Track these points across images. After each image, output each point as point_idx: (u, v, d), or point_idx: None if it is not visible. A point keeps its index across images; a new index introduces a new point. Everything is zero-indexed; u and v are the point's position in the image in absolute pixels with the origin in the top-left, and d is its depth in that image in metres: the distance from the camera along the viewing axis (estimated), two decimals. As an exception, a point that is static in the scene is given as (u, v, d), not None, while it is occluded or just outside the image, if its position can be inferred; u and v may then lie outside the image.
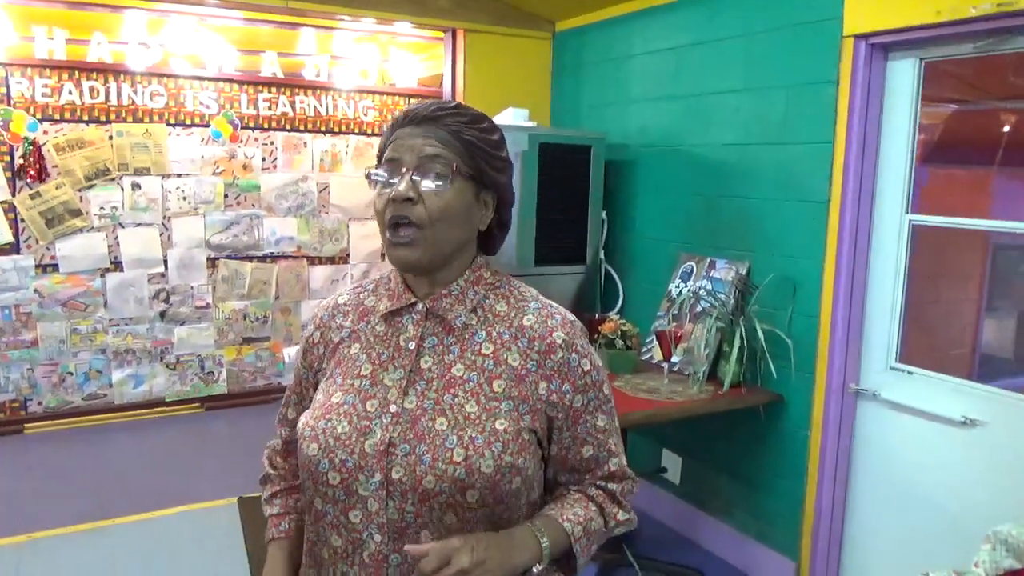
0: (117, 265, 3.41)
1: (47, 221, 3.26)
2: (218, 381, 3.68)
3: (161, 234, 3.48)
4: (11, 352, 3.25)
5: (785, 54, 2.99)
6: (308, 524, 1.20)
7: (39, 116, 3.20)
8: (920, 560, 2.71)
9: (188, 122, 3.49)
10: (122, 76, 3.33)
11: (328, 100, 3.80)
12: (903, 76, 2.72)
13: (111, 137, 3.34)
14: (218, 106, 3.54)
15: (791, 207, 3.00)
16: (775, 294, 3.04)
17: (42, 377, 3.33)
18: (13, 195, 3.19)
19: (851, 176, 2.78)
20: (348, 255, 3.93)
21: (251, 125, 3.63)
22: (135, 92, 3.37)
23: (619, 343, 3.19)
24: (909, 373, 2.75)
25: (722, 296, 3.18)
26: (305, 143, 3.76)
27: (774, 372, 2.98)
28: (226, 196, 3.60)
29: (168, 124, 3.45)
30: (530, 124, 3.66)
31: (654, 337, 3.33)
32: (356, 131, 3.88)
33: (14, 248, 3.22)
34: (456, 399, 1.12)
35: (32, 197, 3.22)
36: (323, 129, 3.80)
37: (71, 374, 3.38)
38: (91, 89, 3.28)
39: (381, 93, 3.93)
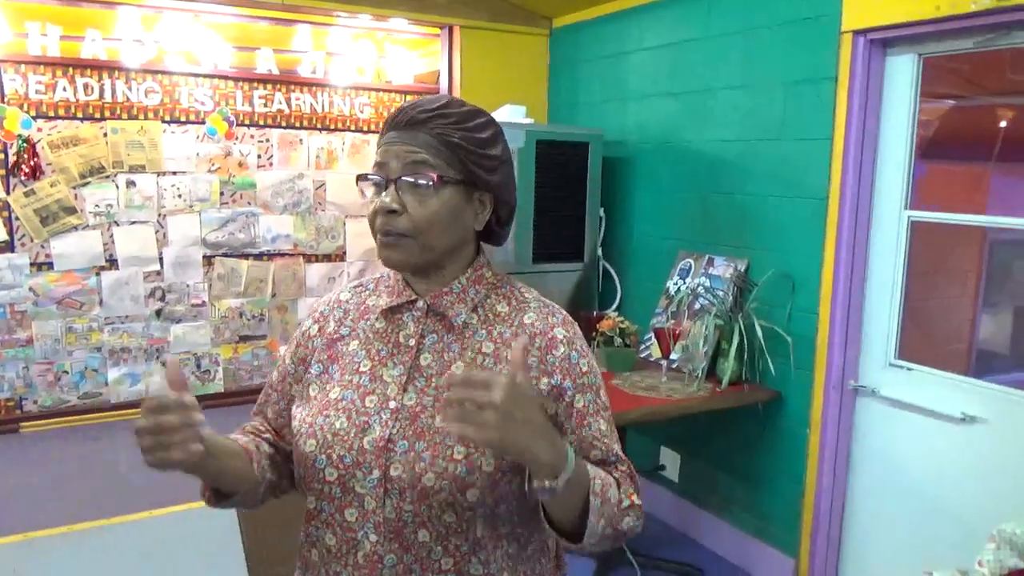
0: (112, 263, 3.39)
1: (42, 219, 3.24)
2: (214, 380, 3.67)
3: (156, 232, 3.47)
4: (6, 351, 3.23)
5: (783, 50, 2.98)
6: (301, 525, 1.18)
7: (33, 113, 3.18)
8: (919, 556, 2.71)
9: (183, 119, 3.47)
10: (116, 73, 3.31)
11: (324, 97, 3.78)
12: (902, 72, 2.71)
13: (106, 134, 3.32)
14: (213, 103, 3.52)
15: (790, 204, 2.99)
16: (774, 291, 3.03)
17: (37, 376, 3.31)
18: (7, 193, 3.17)
19: (850, 172, 2.77)
20: (344, 252, 3.92)
21: (247, 122, 3.61)
22: (130, 89, 3.35)
23: (617, 341, 3.18)
24: (908, 370, 2.75)
25: (720, 293, 3.17)
26: (301, 140, 3.74)
27: (773, 369, 2.98)
28: (222, 194, 3.59)
29: (163, 121, 3.43)
30: (527, 121, 3.65)
31: (652, 335, 3.32)
32: (352, 128, 3.86)
33: (8, 246, 3.20)
34: None
35: (26, 195, 3.20)
36: (319, 126, 3.78)
37: (67, 373, 3.36)
38: (85, 86, 3.26)
39: (377, 90, 3.92)
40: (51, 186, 3.24)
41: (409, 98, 3.97)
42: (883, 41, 2.70)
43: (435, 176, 1.09)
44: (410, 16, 3.83)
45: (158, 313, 3.51)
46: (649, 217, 3.71)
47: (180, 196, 3.50)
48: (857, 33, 2.70)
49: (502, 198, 1.19)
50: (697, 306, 3.25)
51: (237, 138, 3.59)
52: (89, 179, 3.31)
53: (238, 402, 3.69)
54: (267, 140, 3.67)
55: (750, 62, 3.13)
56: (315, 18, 3.70)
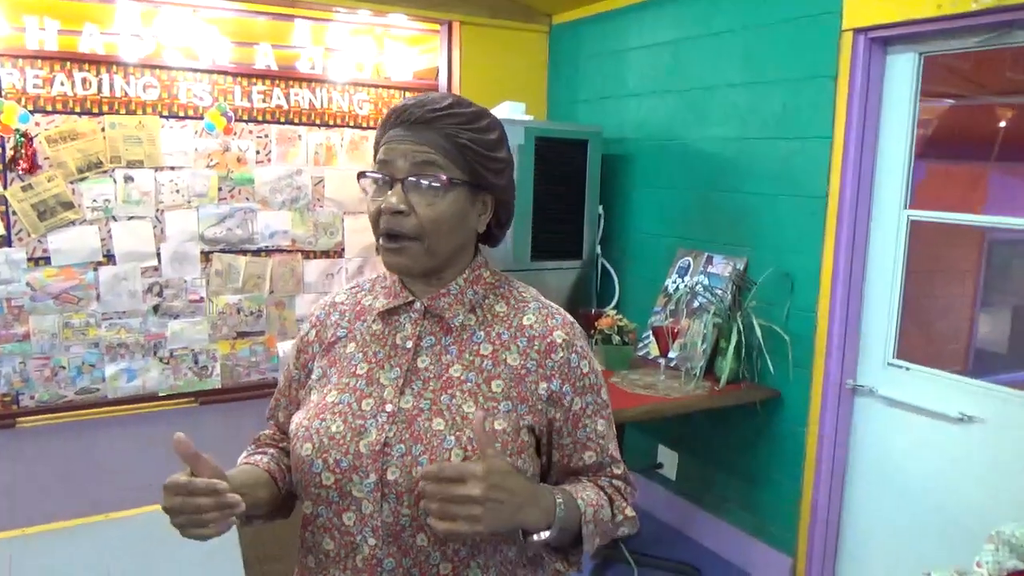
0: (110, 258, 3.38)
1: (39, 214, 3.23)
2: (212, 375, 3.66)
3: (154, 227, 3.46)
4: (3, 346, 3.23)
5: (783, 48, 2.97)
6: (300, 530, 1.17)
7: (30, 107, 3.17)
8: (916, 556, 2.71)
9: (181, 114, 3.46)
10: (114, 67, 3.30)
11: (323, 93, 3.77)
12: (902, 70, 2.70)
13: (103, 129, 3.31)
14: (212, 98, 3.51)
15: (789, 202, 2.99)
16: (773, 290, 3.02)
17: (34, 371, 3.30)
18: (4, 187, 3.16)
19: (849, 171, 2.77)
20: (343, 249, 3.91)
21: (245, 118, 3.60)
22: (128, 84, 3.33)
23: (615, 339, 3.18)
24: (907, 369, 2.74)
25: (719, 292, 3.16)
26: (300, 136, 3.73)
27: (771, 368, 2.97)
28: (220, 189, 3.58)
29: (161, 116, 3.42)
30: (526, 118, 3.64)
31: (651, 333, 3.31)
32: (351, 124, 3.85)
33: (6, 241, 3.19)
34: (454, 400, 1.09)
35: (24, 189, 3.19)
36: (318, 122, 3.77)
37: (63, 368, 3.35)
38: (83, 80, 3.25)
39: (376, 86, 3.90)
40: (48, 181, 3.22)
41: (408, 94, 3.96)
42: (884, 39, 2.69)
43: (444, 178, 1.08)
44: (409, 12, 3.82)
45: (155, 309, 3.50)
46: (648, 215, 3.71)
47: (178, 191, 3.49)
48: (858, 31, 2.69)
49: (504, 200, 1.18)
50: (696, 304, 3.24)
51: (235, 134, 3.58)
52: (87, 174, 3.30)
53: (235, 398, 3.69)
54: (265, 136, 3.66)
55: (750, 60, 3.12)
56: (314, 13, 3.69)
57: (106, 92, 3.30)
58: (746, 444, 3.22)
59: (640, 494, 1.20)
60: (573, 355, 1.14)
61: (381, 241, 1.10)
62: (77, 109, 3.26)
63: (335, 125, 3.82)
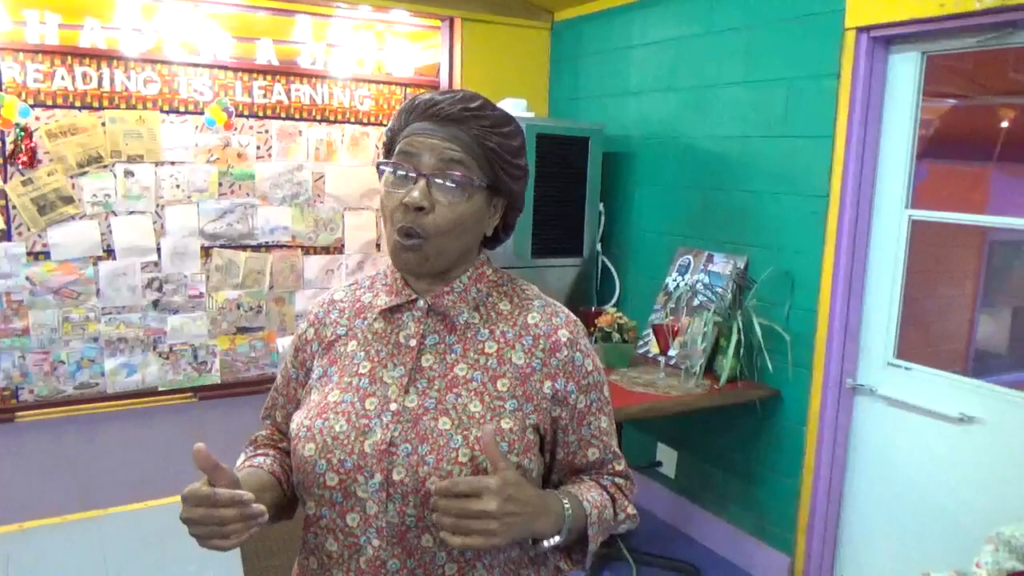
0: (110, 253, 3.38)
1: (39, 208, 3.22)
2: (211, 371, 3.66)
3: (154, 222, 3.45)
4: (2, 340, 3.22)
5: (786, 46, 2.97)
6: (302, 531, 1.16)
7: (31, 102, 3.16)
8: (915, 556, 2.71)
9: (182, 109, 3.45)
10: (115, 62, 3.29)
11: (324, 88, 3.76)
12: (905, 70, 2.70)
13: (104, 124, 3.30)
14: (212, 93, 3.50)
15: (790, 201, 2.98)
16: (773, 289, 3.02)
17: (34, 365, 3.30)
18: (4, 182, 3.15)
19: (851, 170, 2.76)
20: (343, 245, 3.90)
21: (246, 113, 3.59)
22: (128, 78, 3.33)
23: (615, 336, 3.18)
24: (907, 369, 2.74)
25: (720, 290, 3.16)
26: (300, 132, 3.73)
27: (771, 367, 2.97)
28: (220, 184, 3.57)
29: (162, 111, 3.41)
30: (528, 115, 3.63)
31: (651, 331, 3.31)
32: (352, 120, 3.85)
33: (5, 235, 3.19)
34: (459, 399, 1.08)
35: (24, 184, 3.18)
36: (318, 118, 3.77)
37: (63, 363, 3.35)
38: (84, 75, 3.24)
39: (377, 82, 3.90)
40: (48, 175, 3.22)
41: (410, 91, 3.95)
42: (886, 39, 2.69)
43: (472, 179, 1.06)
44: (411, 8, 3.81)
45: (155, 304, 3.50)
46: (649, 213, 3.70)
47: (178, 186, 3.48)
48: (860, 30, 2.69)
49: (514, 205, 1.18)
50: (696, 303, 3.24)
51: (236, 129, 3.58)
52: (87, 168, 3.29)
53: (235, 394, 3.69)
54: (266, 131, 3.65)
55: (752, 58, 3.11)
56: (315, 9, 3.68)
57: (107, 87, 3.29)
58: (745, 443, 3.22)
59: (639, 492, 1.22)
60: (577, 353, 1.14)
61: (397, 237, 1.08)
62: (77, 103, 3.25)
63: (336, 121, 3.81)
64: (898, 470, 2.78)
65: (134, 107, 3.36)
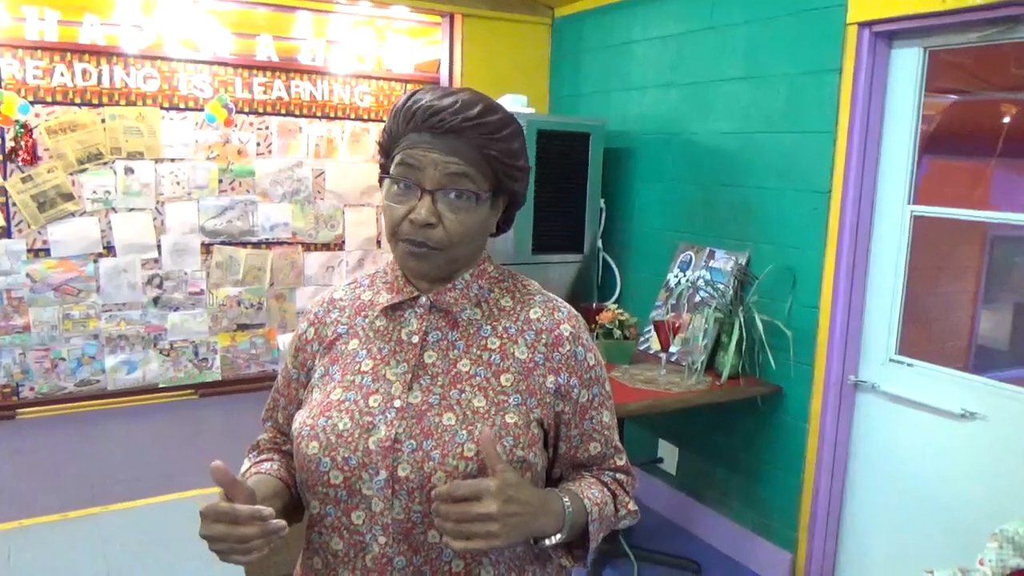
0: (110, 250, 3.37)
1: (39, 205, 3.22)
2: (212, 368, 3.66)
3: (154, 219, 3.45)
4: (3, 337, 3.22)
5: (788, 41, 2.96)
6: (305, 531, 1.16)
7: (30, 98, 3.16)
8: (917, 552, 2.70)
9: (182, 106, 3.45)
10: (115, 58, 3.29)
11: (324, 85, 3.75)
12: (907, 65, 2.68)
13: (103, 120, 3.30)
14: (212, 90, 3.50)
15: (792, 197, 2.97)
16: (775, 285, 3.01)
17: (34, 362, 3.30)
18: (4, 179, 3.15)
19: (853, 166, 2.75)
20: (343, 242, 3.90)
21: (246, 109, 3.59)
22: (128, 75, 3.32)
23: (617, 333, 3.17)
24: (909, 365, 2.73)
25: (721, 286, 3.15)
26: (300, 128, 3.72)
27: (773, 363, 2.96)
28: (220, 181, 3.57)
29: (161, 108, 3.41)
30: (528, 111, 3.62)
31: (652, 327, 3.30)
32: (352, 116, 3.84)
33: (5, 232, 3.19)
34: (463, 394, 1.08)
35: (23, 180, 3.18)
36: (319, 114, 3.76)
37: (63, 360, 3.35)
38: (83, 71, 3.24)
39: (378, 78, 3.89)
40: (48, 172, 3.21)
41: (410, 87, 3.95)
42: (888, 33, 2.68)
43: (478, 193, 1.07)
44: (411, 4, 3.80)
45: (156, 301, 3.50)
46: (650, 209, 3.69)
47: (178, 183, 3.48)
48: (862, 25, 2.67)
49: (516, 201, 1.18)
50: (697, 299, 3.23)
51: (236, 125, 3.57)
52: (87, 165, 3.29)
53: (235, 390, 3.68)
54: (266, 128, 3.64)
55: (754, 53, 3.10)
56: (315, 5, 3.67)
57: (106, 83, 3.29)
58: (747, 439, 3.21)
59: (640, 489, 1.22)
60: (579, 348, 1.14)
61: (404, 247, 1.08)
62: (77, 100, 3.25)
63: (336, 117, 3.80)
64: (900, 466, 2.78)
65: (134, 104, 3.35)
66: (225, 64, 3.50)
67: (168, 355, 3.54)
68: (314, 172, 3.76)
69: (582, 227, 3.71)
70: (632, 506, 1.21)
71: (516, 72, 4.12)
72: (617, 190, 3.84)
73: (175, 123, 3.43)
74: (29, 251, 3.22)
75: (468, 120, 1.05)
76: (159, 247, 3.46)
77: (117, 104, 3.30)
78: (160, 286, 3.49)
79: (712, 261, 3.28)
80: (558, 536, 1.06)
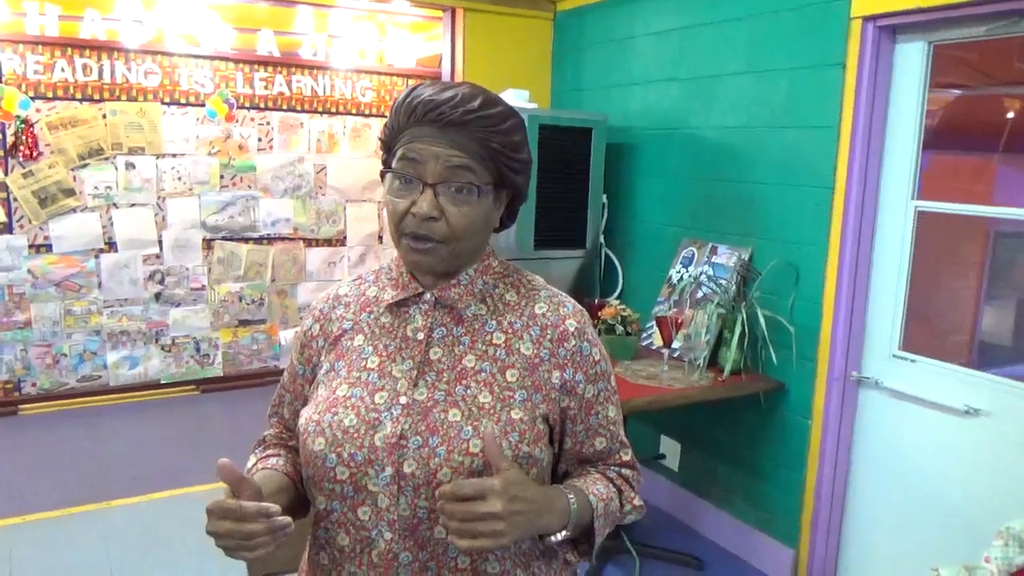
0: (111, 246, 3.37)
1: (40, 200, 3.21)
2: (214, 363, 3.65)
3: (156, 215, 3.44)
4: (4, 333, 3.22)
5: (791, 36, 2.94)
6: (311, 526, 1.16)
7: (31, 94, 3.15)
8: (920, 549, 2.70)
9: (183, 101, 3.44)
10: (116, 53, 3.28)
11: (325, 80, 3.74)
12: (911, 59, 2.67)
13: (104, 116, 3.29)
14: (213, 85, 3.49)
15: (795, 192, 2.96)
16: (777, 280, 3.01)
17: (36, 358, 3.29)
18: (5, 174, 3.14)
19: (856, 161, 2.74)
20: (345, 237, 3.89)
21: (247, 105, 3.58)
22: (129, 70, 3.31)
23: (619, 329, 3.16)
24: (912, 361, 2.73)
25: (723, 282, 3.14)
26: (302, 123, 3.71)
27: (775, 359, 2.96)
28: (221, 177, 3.56)
29: (162, 103, 3.40)
30: (530, 106, 3.61)
31: (654, 323, 3.30)
32: (353, 112, 3.83)
33: (7, 228, 3.18)
34: (469, 390, 1.08)
35: (24, 176, 3.17)
36: (320, 109, 3.75)
37: (65, 355, 3.34)
38: (84, 66, 3.23)
39: (379, 73, 3.88)
40: (49, 168, 3.21)
41: (411, 82, 3.93)
42: (893, 28, 2.66)
43: (480, 185, 1.07)
44: (413, -2, 3.79)
45: (157, 296, 3.49)
46: (652, 204, 3.68)
47: (180, 179, 3.47)
48: (867, 19, 2.66)
49: (519, 194, 1.18)
50: (700, 295, 3.23)
51: (237, 121, 3.56)
52: (88, 161, 3.28)
53: (237, 386, 3.68)
54: (267, 123, 3.63)
55: (757, 48, 3.09)
56: (316, -1, 3.66)
57: (107, 78, 3.28)
58: (749, 435, 3.21)
59: (643, 485, 1.22)
60: (585, 343, 1.14)
61: (407, 241, 1.08)
62: (78, 95, 3.24)
63: (337, 112, 3.79)
64: (903, 463, 2.77)
65: (135, 99, 3.34)
66: (226, 59, 3.49)
67: (170, 351, 3.54)
68: (315, 167, 3.76)
69: (584, 222, 3.70)
70: (637, 501, 1.21)
71: (518, 67, 4.10)
72: (619, 185, 3.83)
73: (176, 118, 3.42)
74: (31, 247, 3.21)
75: (469, 113, 1.05)
76: (160, 243, 3.46)
77: (118, 99, 3.30)
78: (161, 282, 3.48)
79: (715, 257, 3.27)
80: (563, 533, 1.06)
